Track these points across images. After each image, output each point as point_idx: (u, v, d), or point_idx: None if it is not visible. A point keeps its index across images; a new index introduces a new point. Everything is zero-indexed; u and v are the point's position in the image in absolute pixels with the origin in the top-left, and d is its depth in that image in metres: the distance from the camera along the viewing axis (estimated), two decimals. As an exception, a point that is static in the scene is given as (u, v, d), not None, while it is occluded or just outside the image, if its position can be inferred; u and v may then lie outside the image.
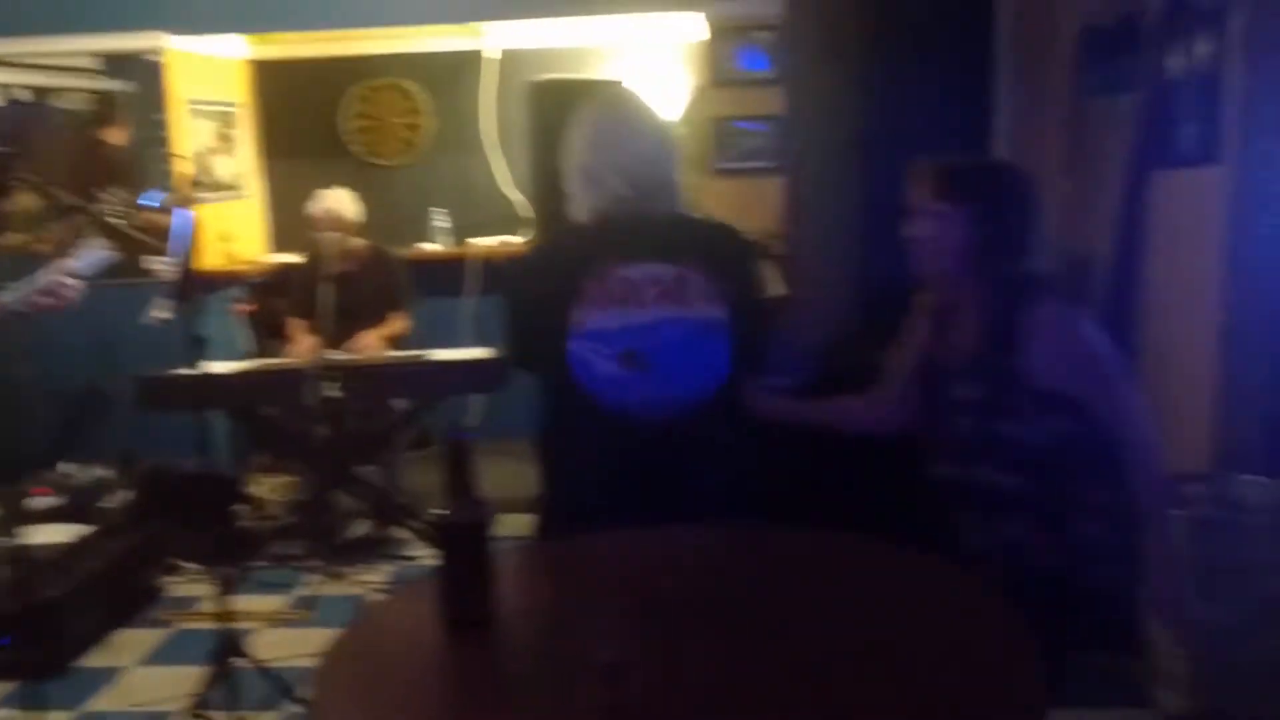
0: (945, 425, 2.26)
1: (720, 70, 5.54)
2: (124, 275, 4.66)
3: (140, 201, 5.37)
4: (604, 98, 2.42)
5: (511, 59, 5.86)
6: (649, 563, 1.98)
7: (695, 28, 5.49)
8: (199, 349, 2.95)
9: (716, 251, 2.34)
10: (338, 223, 4.60)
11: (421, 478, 4.93)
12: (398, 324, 4.77)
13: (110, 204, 4.62)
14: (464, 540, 1.63)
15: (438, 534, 1.65)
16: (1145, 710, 3.02)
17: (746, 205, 5.39)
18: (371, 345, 4.54)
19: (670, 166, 2.36)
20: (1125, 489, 2.18)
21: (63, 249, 4.65)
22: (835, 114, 5.60)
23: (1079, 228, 4.24)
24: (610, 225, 2.26)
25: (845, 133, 5.45)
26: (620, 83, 2.60)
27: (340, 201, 4.67)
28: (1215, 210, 3.20)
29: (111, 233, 4.65)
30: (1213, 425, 3.17)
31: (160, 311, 3.68)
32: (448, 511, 1.63)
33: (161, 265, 5.09)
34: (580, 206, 2.31)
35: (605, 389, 2.23)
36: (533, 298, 2.30)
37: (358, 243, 4.74)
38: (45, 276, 2.77)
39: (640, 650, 1.54)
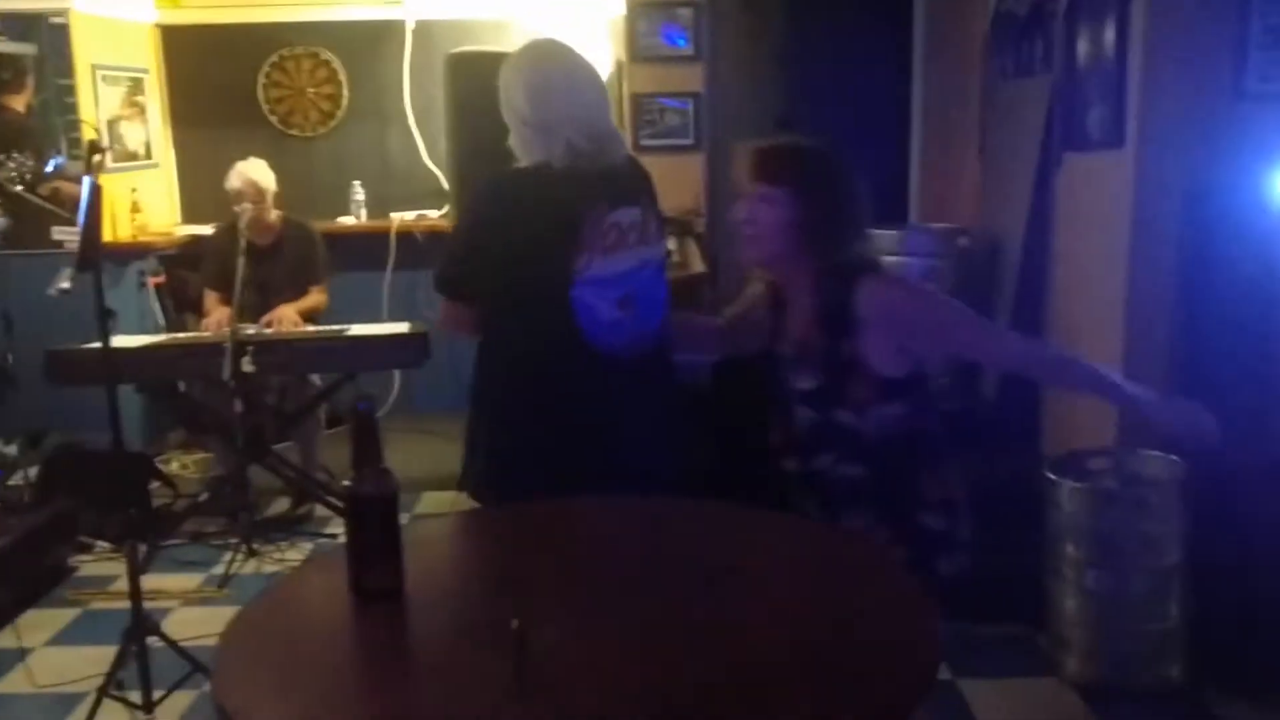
0: (786, 416, 2.27)
1: (640, 47, 5.54)
2: (29, 245, 4.55)
3: (46, 169, 5.23)
4: (540, 51, 2.40)
5: (430, 30, 5.78)
6: (564, 532, 2.01)
7: (615, 3, 5.48)
8: (106, 321, 2.87)
9: (651, 190, 2.44)
10: (254, 194, 4.51)
11: (339, 454, 4.89)
12: (315, 298, 4.70)
13: (9, 169, 4.49)
14: (371, 511, 1.64)
15: (345, 505, 1.65)
16: (1048, 679, 3.13)
17: (667, 182, 5.38)
18: (289, 319, 4.47)
19: (610, 114, 2.43)
20: (958, 481, 2.26)
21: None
22: (754, 91, 5.66)
23: (991, 208, 4.34)
24: (577, 173, 2.24)
25: (764, 110, 5.51)
26: (550, 37, 2.56)
27: (257, 172, 4.58)
28: (1121, 192, 3.31)
29: (10, 199, 4.52)
30: (1116, 401, 3.28)
31: (64, 283, 3.58)
32: (355, 482, 1.63)
33: (68, 235, 4.95)
34: (530, 158, 2.28)
35: (604, 333, 2.26)
36: (519, 242, 2.23)
37: (274, 214, 4.66)
38: None
39: (550, 617, 1.56)
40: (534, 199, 2.25)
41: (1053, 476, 3.05)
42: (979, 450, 3.77)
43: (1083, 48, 3.57)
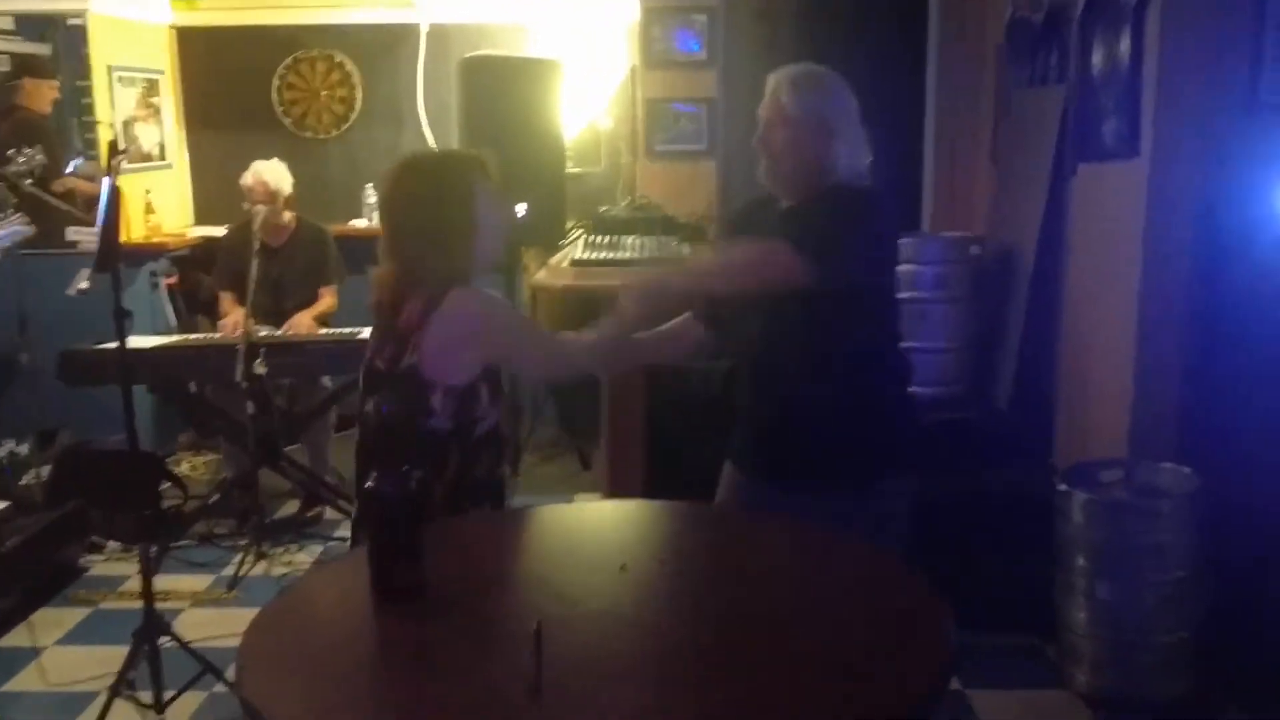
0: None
1: (654, 52, 5.55)
2: (44, 245, 4.57)
3: (65, 170, 5.26)
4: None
5: (443, 34, 5.80)
6: (586, 534, 2.02)
7: (630, 9, 5.49)
8: (123, 322, 2.88)
9: None
10: (264, 194, 4.52)
11: (349, 457, 4.89)
12: (327, 301, 4.71)
13: (24, 167, 4.50)
14: (393, 511, 1.65)
15: (367, 505, 1.66)
16: (1058, 690, 3.12)
17: (680, 187, 5.43)
18: (305, 328, 4.49)
19: None
20: None
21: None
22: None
23: (1004, 217, 4.33)
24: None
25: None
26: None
27: (273, 173, 4.60)
28: (1134, 203, 3.30)
29: (25, 197, 4.54)
30: (1129, 412, 3.28)
31: (83, 283, 3.60)
32: (377, 483, 1.64)
33: (84, 236, 4.98)
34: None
35: None
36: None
37: (288, 216, 4.67)
38: None
39: (571, 619, 1.57)
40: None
41: (1064, 487, 3.05)
42: (990, 460, 3.78)
43: (1097, 57, 3.57)
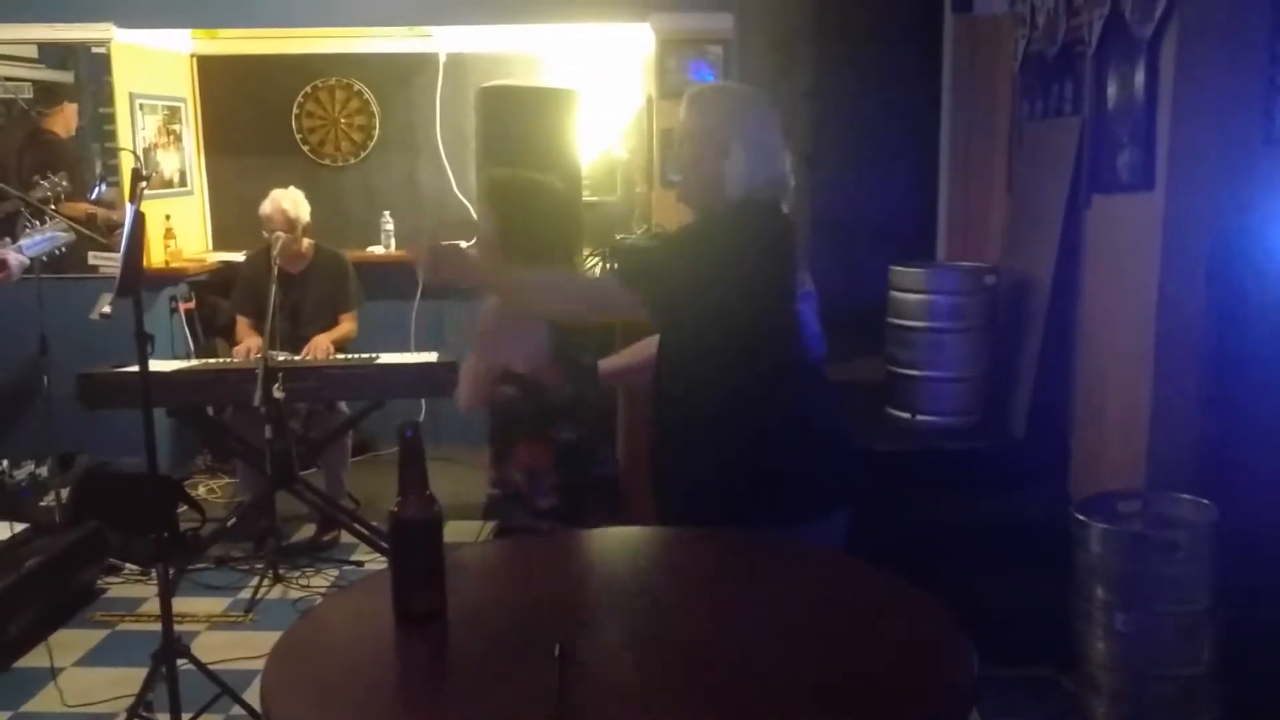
0: None
1: (670, 83, 5.59)
2: (65, 269, 4.62)
3: (89, 195, 5.31)
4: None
5: (461, 63, 5.86)
6: (607, 557, 2.03)
7: (645, 40, 5.54)
8: (145, 346, 2.91)
9: None
10: (283, 222, 4.57)
11: (365, 481, 4.92)
12: (346, 326, 4.75)
13: (43, 189, 4.55)
14: (416, 535, 1.66)
15: (389, 529, 1.68)
16: None
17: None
18: (323, 349, 4.53)
19: None
20: None
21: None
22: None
23: (1019, 247, 4.35)
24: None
25: (791, 147, 5.54)
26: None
27: (292, 202, 4.64)
28: (1150, 234, 3.32)
29: (47, 221, 4.58)
30: (1146, 443, 3.28)
31: (105, 307, 3.63)
32: (400, 507, 1.65)
33: (104, 260, 5.03)
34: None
35: (816, 344, 2.59)
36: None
37: (306, 243, 4.72)
38: None
39: (593, 642, 1.58)
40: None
41: (1082, 518, 3.05)
42: (1005, 489, 3.78)
43: (1112, 90, 3.60)
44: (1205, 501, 3.00)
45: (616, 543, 2.15)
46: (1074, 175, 3.85)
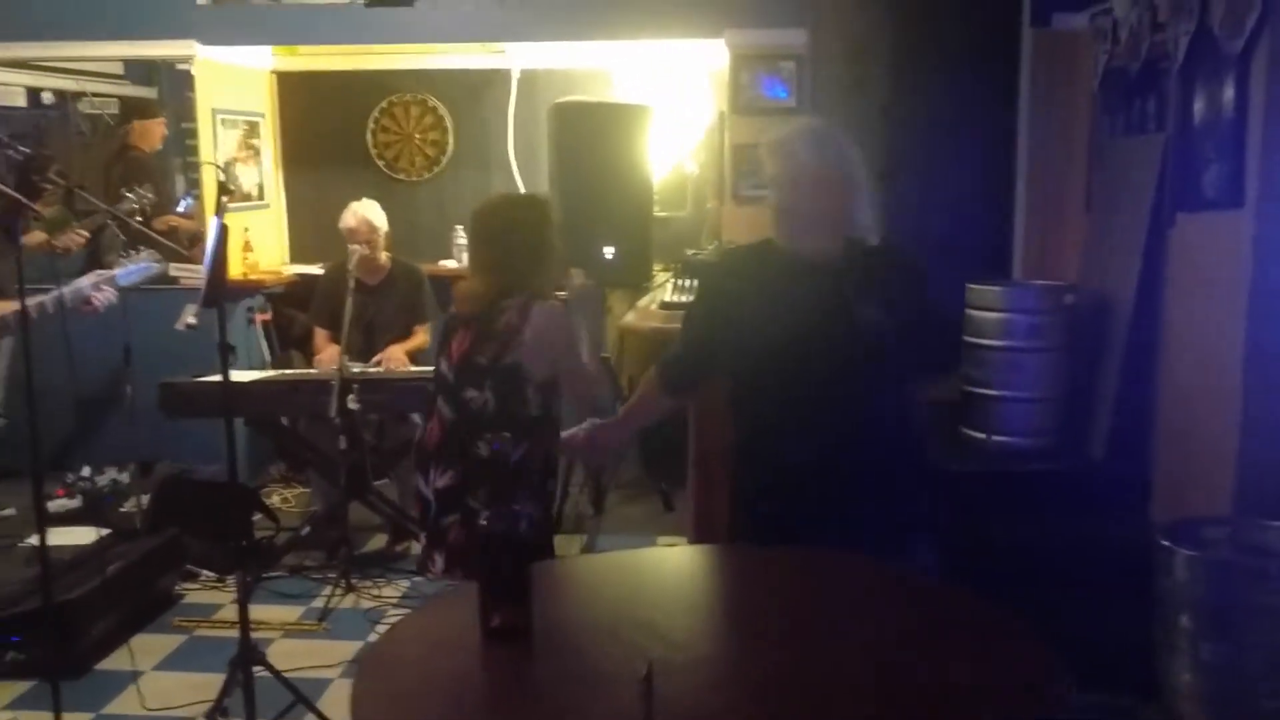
0: None
1: (742, 99, 5.58)
2: (150, 281, 4.73)
3: (177, 209, 5.44)
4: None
5: (533, 79, 5.91)
6: (695, 579, 2.02)
7: (718, 55, 5.54)
8: (228, 356, 2.97)
9: None
10: (368, 233, 4.65)
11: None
12: (420, 338, 4.80)
13: (130, 201, 4.68)
14: (503, 550, 1.67)
15: (478, 544, 1.69)
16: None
17: (764, 231, 5.42)
18: (398, 359, 4.58)
19: None
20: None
21: (87, 250, 4.70)
22: (856, 144, 5.65)
23: (1098, 267, 4.27)
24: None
25: (867, 163, 5.49)
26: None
27: (372, 212, 4.72)
28: (1238, 253, 3.24)
29: (132, 234, 4.71)
30: (1235, 468, 3.19)
31: (190, 318, 3.71)
32: (489, 522, 1.66)
33: (186, 272, 5.15)
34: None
35: None
36: None
37: (384, 255, 4.78)
38: (92, 281, 2.82)
39: (679, 664, 1.57)
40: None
41: (1166, 543, 2.97)
42: (1085, 512, 3.70)
43: (1199, 106, 3.52)
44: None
45: (704, 560, 2.14)
46: (1157, 193, 3.77)
